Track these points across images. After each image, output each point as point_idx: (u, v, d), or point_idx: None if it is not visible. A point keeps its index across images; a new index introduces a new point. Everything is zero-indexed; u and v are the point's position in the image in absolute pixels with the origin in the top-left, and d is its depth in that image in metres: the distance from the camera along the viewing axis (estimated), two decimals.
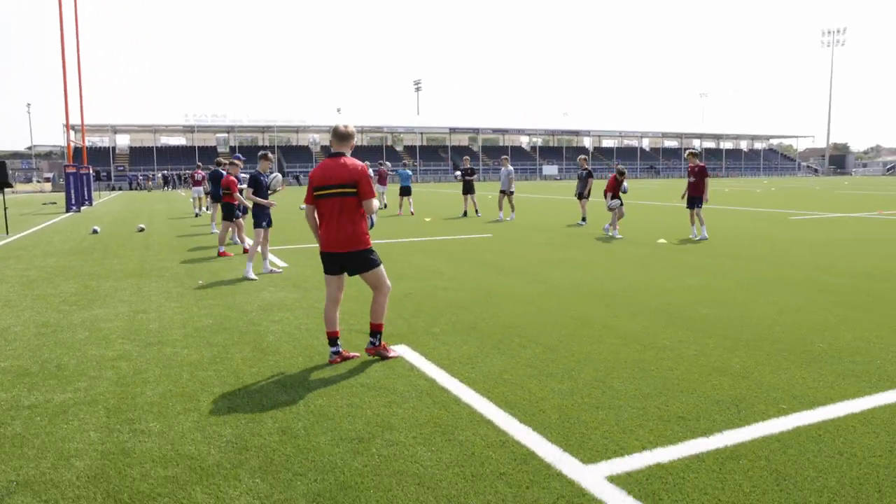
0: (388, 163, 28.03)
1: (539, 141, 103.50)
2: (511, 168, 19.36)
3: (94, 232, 16.47)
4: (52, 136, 74.95)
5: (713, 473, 3.22)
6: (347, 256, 5.05)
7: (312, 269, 9.78)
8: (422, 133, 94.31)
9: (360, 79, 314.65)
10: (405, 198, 22.56)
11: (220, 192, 11.71)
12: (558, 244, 12.91)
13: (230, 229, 11.93)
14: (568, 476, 3.20)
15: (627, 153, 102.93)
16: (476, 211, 20.92)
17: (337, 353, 5.16)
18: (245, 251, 11.08)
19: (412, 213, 21.81)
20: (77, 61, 34.54)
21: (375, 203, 5.13)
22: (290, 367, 5.04)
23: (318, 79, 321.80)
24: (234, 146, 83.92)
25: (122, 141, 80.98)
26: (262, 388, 4.58)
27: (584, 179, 18.03)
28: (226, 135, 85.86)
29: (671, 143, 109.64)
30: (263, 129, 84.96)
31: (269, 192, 9.25)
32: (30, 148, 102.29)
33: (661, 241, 13.17)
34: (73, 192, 26.08)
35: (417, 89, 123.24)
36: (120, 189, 63.08)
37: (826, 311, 6.74)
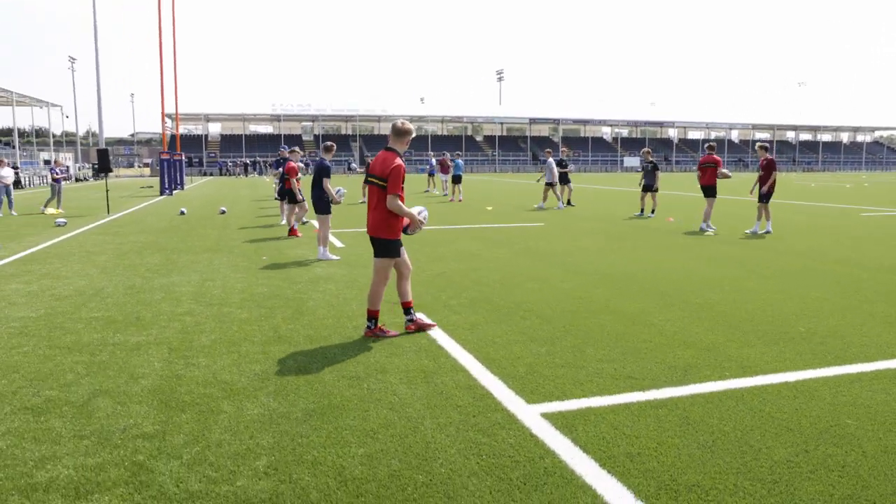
0: (447, 153, 29.12)
1: (625, 132, 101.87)
2: (552, 160, 20.40)
3: (182, 213, 18.20)
4: (153, 125, 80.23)
5: (631, 416, 3.92)
6: (371, 240, 5.67)
7: (365, 249, 10.81)
8: (502, 123, 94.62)
9: (443, 68, 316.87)
10: (456, 185, 24.59)
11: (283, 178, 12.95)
12: (604, 233, 13.43)
13: (295, 210, 13.08)
14: (509, 410, 3.99)
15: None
16: (569, 201, 21.32)
17: (411, 320, 5.75)
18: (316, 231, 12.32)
19: (460, 201, 23.40)
20: (173, 55, 37.19)
21: (399, 203, 5.37)
22: (320, 327, 6.01)
23: (402, 68, 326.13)
24: (318, 134, 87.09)
25: (214, 129, 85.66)
26: (291, 339, 5.57)
27: (652, 172, 18.13)
28: (310, 123, 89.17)
29: (763, 135, 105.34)
30: (346, 119, 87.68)
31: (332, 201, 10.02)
32: (133, 135, 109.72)
33: (710, 233, 13.45)
34: (166, 176, 28.39)
35: (500, 79, 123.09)
36: (210, 174, 66.95)
37: (829, 300, 7.11)
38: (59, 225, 15.19)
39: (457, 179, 24.97)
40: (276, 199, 15.63)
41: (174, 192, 30.05)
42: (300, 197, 12.77)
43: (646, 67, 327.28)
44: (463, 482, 3.12)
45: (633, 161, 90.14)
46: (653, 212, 18.01)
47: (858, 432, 3.69)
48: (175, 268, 9.26)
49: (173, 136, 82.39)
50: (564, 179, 21.34)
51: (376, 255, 5.65)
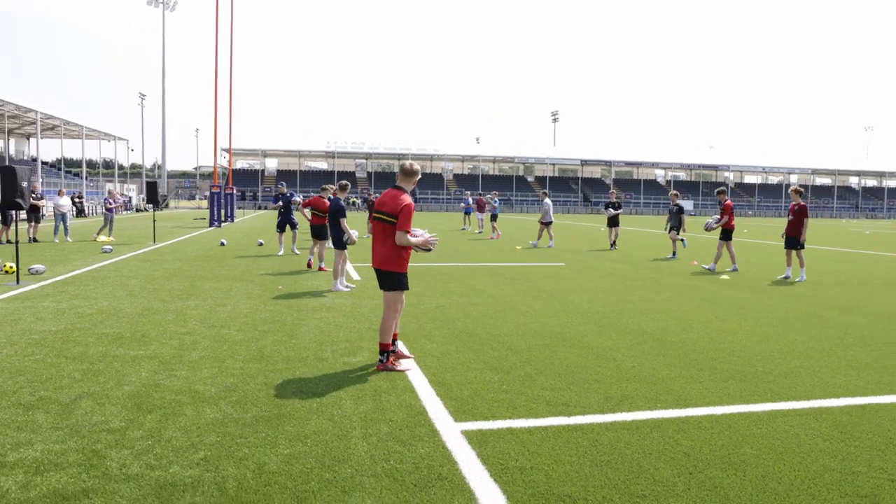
0: (483, 193, 30.02)
1: (682, 174, 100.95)
2: (549, 201, 21.62)
3: (222, 244, 19.22)
4: (216, 159, 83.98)
5: (545, 436, 4.27)
6: (379, 272, 5.95)
7: (373, 281, 11.37)
8: (553, 164, 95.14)
9: (499, 110, 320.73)
10: (493, 223, 25.94)
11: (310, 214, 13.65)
12: (620, 275, 13.64)
13: (317, 247, 13.69)
14: (435, 426, 4.39)
15: (772, 190, 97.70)
16: (614, 243, 20.73)
17: (393, 351, 5.95)
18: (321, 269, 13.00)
19: (499, 236, 24.80)
20: (229, 92, 39.23)
21: (408, 237, 5.67)
22: (302, 349, 6.53)
23: (458, 109, 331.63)
24: (371, 172, 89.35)
25: (271, 164, 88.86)
26: (271, 359, 6.10)
27: (677, 214, 18.37)
28: (364, 161, 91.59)
29: (823, 181, 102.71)
30: (399, 157, 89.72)
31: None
32: (196, 168, 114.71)
33: (725, 277, 13.51)
34: (215, 209, 29.86)
35: (555, 120, 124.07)
36: (265, 208, 69.31)
37: (805, 343, 7.24)
38: (105, 251, 16.33)
39: (493, 217, 26.23)
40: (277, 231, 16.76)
41: (223, 224, 31.49)
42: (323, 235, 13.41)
43: (704, 110, 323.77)
44: (361, 481, 3.54)
45: (686, 204, 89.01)
46: (674, 254, 18.10)
47: (750, 459, 3.94)
48: (195, 293, 9.99)
49: (232, 171, 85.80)
50: (614, 222, 21.01)
51: (386, 288, 5.84)
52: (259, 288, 10.73)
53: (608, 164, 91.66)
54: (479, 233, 28.28)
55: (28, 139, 46.05)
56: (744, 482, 3.63)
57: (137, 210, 54.08)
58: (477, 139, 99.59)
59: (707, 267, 15.00)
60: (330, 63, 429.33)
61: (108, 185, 56.70)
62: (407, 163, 6.10)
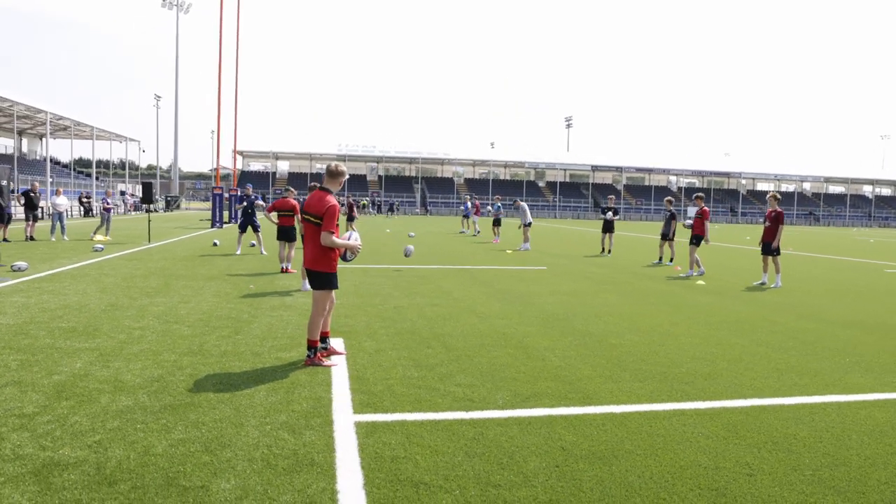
0: (484, 198, 30.53)
1: (696, 181, 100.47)
2: (525, 204, 22.72)
3: (214, 244, 19.55)
4: (230, 160, 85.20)
5: (434, 429, 4.45)
6: (309, 272, 6.18)
7: (343, 282, 11.58)
8: (564, 169, 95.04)
9: (510, 114, 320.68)
10: (496, 227, 26.16)
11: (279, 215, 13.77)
12: (596, 279, 13.75)
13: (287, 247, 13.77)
14: (333, 417, 4.59)
15: (784, 198, 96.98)
16: (609, 250, 20.69)
17: (325, 348, 6.26)
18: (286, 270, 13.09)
19: (496, 241, 25.01)
20: (234, 95, 39.69)
21: (332, 238, 5.83)
22: (241, 344, 6.75)
23: (469, 113, 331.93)
24: (382, 175, 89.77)
25: (283, 166, 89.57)
26: (208, 352, 6.33)
27: (668, 221, 18.44)
28: (375, 164, 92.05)
29: (836, 189, 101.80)
30: (410, 161, 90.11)
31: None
32: (212, 170, 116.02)
33: (700, 282, 13.59)
34: (217, 210, 30.29)
35: (568, 126, 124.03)
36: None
37: (744, 347, 7.34)
38: (96, 250, 16.70)
39: (496, 222, 26.56)
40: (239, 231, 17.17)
41: (225, 225, 31.92)
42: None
43: (717, 117, 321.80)
44: (235, 464, 3.74)
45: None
46: (671, 260, 18.15)
47: (623, 454, 4.10)
48: (165, 291, 10.26)
49: (245, 173, 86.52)
50: (609, 227, 20.73)
51: (315, 287, 6.06)
52: (230, 287, 10.99)
53: (619, 169, 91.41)
54: (475, 234, 29.04)
55: (41, 139, 46.91)
56: (603, 474, 3.80)
57: (147, 210, 54.81)
58: (492, 144, 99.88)
59: (684, 275, 15.12)
60: (342, 66, 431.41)
61: (121, 186, 57.53)
62: (332, 164, 6.26)
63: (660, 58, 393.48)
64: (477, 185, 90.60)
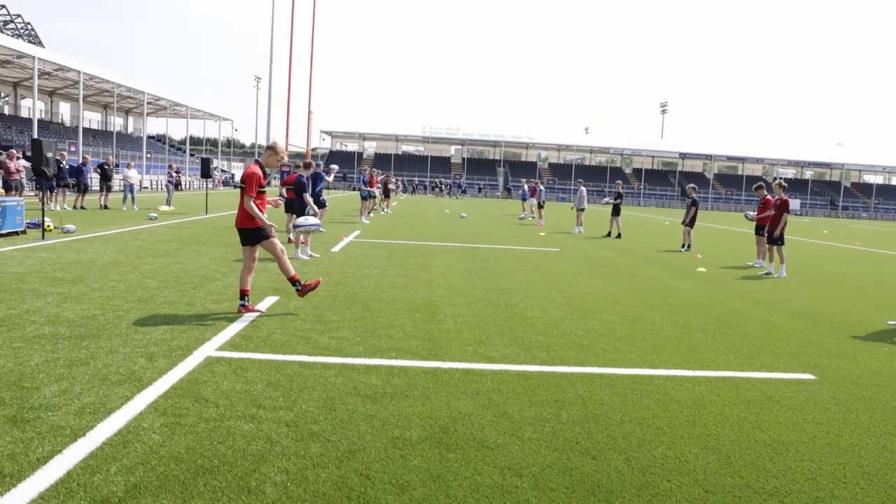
0: (533, 181, 31.11)
1: (793, 172, 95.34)
2: (584, 189, 22.92)
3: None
4: (324, 141, 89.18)
5: (263, 366, 5.24)
6: (239, 231, 7.16)
7: (347, 255, 12.50)
8: (652, 156, 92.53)
9: (605, 98, 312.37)
10: (540, 210, 27.29)
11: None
12: (593, 261, 14.03)
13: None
14: (193, 350, 5.47)
15: (893, 192, 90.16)
16: (618, 234, 21.56)
17: (243, 305, 7.15)
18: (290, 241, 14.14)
19: (540, 224, 25.90)
20: (309, 77, 41.54)
21: (251, 203, 6.86)
22: (193, 297, 7.78)
23: (559, 98, 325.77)
24: (465, 158, 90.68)
25: (371, 147, 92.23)
26: (158, 301, 7.39)
27: (688, 208, 18.47)
28: (459, 147, 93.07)
29: None
30: (494, 144, 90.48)
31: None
32: (313, 149, 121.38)
33: (701, 269, 13.61)
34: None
35: (663, 112, 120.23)
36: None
37: (668, 328, 7.57)
38: (150, 219, 18.51)
39: (541, 205, 27.13)
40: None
41: None
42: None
43: (819, 106, 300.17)
44: (76, 376, 4.68)
45: (792, 204, 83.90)
46: (688, 247, 18.16)
47: (467, 412, 4.73)
48: (173, 254, 11.55)
49: (333, 153, 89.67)
50: (616, 212, 21.65)
51: (253, 243, 7.04)
52: (232, 253, 12.16)
53: (709, 157, 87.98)
54: (522, 218, 30.05)
55: (145, 117, 51.06)
56: (373, 421, 4.47)
57: (236, 186, 58.35)
58: (586, 129, 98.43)
59: (750, 264, 15.11)
60: (431, 48, 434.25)
61: (216, 163, 61.30)
62: (272, 141, 7.36)
63: (760, 43, 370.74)
64: (561, 170, 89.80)
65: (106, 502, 3.03)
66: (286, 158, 7.22)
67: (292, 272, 7.27)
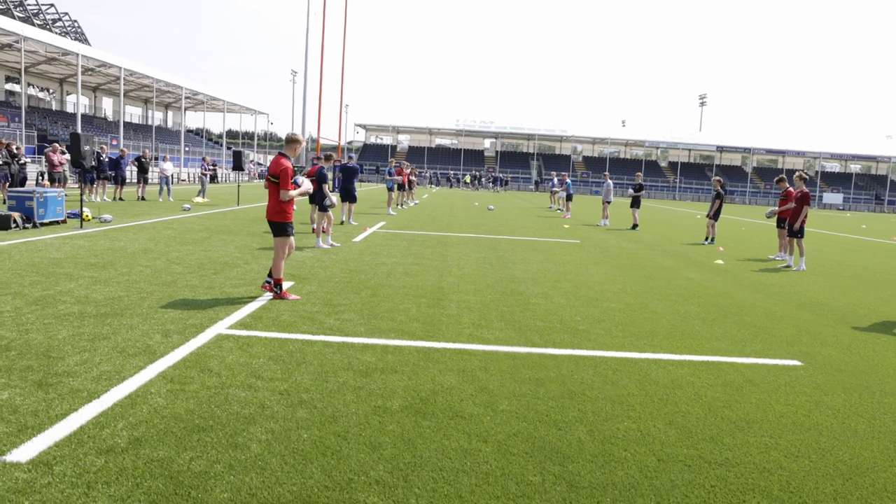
0: (563, 173, 31.17)
1: (836, 165, 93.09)
2: (611, 182, 23.15)
3: None
4: (359, 134, 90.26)
5: (268, 343, 5.65)
6: (269, 223, 7.63)
7: (368, 244, 12.92)
8: (688, 149, 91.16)
9: (644, 92, 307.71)
10: (568, 202, 27.39)
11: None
12: (611, 252, 14.20)
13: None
14: (208, 327, 5.92)
15: None
16: (634, 224, 21.92)
17: (268, 282, 7.63)
18: (316, 230, 14.63)
19: (567, 216, 26.38)
20: (341, 71, 42.12)
21: (289, 193, 7.27)
22: (213, 282, 8.26)
23: (595, 89, 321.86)
24: (499, 151, 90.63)
25: (404, 140, 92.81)
26: (180, 284, 7.89)
27: (713, 201, 18.47)
28: (494, 140, 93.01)
29: None
30: (528, 137, 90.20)
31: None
32: (349, 143, 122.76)
33: (719, 261, 13.68)
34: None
35: (702, 104, 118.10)
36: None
37: (669, 316, 7.80)
38: (184, 210, 19.23)
39: (569, 198, 27.16)
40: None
41: None
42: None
43: (876, 96, 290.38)
44: (98, 348, 5.15)
45: (834, 198, 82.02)
46: (712, 240, 18.14)
47: (450, 386, 5.09)
48: (201, 243, 12.11)
49: (368, 146, 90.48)
50: (636, 203, 21.83)
51: (275, 234, 7.52)
52: (257, 242, 12.68)
53: (748, 150, 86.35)
54: (549, 209, 30.47)
55: (184, 111, 52.36)
56: (359, 392, 4.84)
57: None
58: (623, 122, 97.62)
59: (772, 256, 15.22)
60: (465, 41, 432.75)
61: (251, 155, 62.57)
62: (289, 133, 7.74)
63: (811, 33, 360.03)
64: (595, 163, 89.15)
65: (110, 451, 3.45)
66: (304, 144, 7.64)
67: (281, 275, 7.51)
